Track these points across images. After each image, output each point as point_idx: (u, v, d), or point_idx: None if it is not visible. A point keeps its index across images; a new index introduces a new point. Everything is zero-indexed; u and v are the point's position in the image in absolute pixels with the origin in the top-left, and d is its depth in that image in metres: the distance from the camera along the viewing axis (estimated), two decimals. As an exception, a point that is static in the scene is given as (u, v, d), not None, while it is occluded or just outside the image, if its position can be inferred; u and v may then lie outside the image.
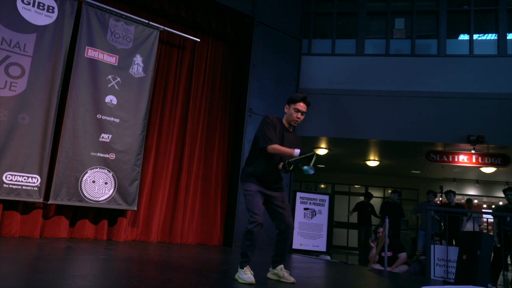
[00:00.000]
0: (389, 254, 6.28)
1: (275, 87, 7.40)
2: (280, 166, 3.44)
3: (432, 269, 5.66)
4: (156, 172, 6.53)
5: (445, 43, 8.49)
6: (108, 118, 5.85)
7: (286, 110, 3.55)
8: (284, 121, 3.56)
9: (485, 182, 13.26)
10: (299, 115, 3.48)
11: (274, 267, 3.56)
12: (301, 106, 3.47)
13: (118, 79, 6.01)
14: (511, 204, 6.88)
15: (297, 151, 3.21)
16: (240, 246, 3.47)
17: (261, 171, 3.44)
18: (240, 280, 3.27)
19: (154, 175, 6.51)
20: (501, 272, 6.84)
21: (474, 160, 8.78)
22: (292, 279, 3.47)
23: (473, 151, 8.53)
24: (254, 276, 3.28)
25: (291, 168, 3.27)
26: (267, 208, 3.54)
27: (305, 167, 3.18)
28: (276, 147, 3.33)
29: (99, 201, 5.71)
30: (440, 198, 8.82)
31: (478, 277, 4.77)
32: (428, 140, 8.23)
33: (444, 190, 8.55)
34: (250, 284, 3.21)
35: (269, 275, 3.58)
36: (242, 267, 3.31)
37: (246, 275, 3.25)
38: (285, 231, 3.46)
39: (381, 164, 11.63)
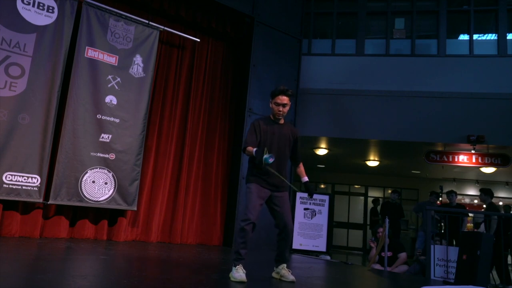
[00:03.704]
0: (389, 254, 6.29)
1: (275, 87, 7.39)
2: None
3: (432, 269, 5.66)
4: (156, 172, 6.52)
5: (445, 43, 8.49)
6: (108, 118, 5.85)
7: (270, 105, 3.71)
8: (271, 116, 3.73)
9: (485, 182, 13.25)
10: (280, 108, 3.62)
11: (276, 266, 3.64)
12: (280, 99, 3.62)
13: (118, 79, 6.01)
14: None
15: (254, 150, 3.43)
16: (234, 244, 3.55)
17: (262, 172, 3.53)
18: (232, 278, 3.35)
19: (154, 175, 6.51)
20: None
21: (474, 160, 8.77)
22: (291, 278, 3.52)
23: (473, 151, 8.53)
24: (251, 275, 3.31)
25: (262, 164, 3.39)
26: (268, 207, 3.62)
27: (265, 156, 3.34)
28: (247, 149, 3.53)
29: (99, 201, 5.71)
30: (440, 199, 8.82)
31: (478, 277, 4.77)
32: (428, 140, 8.23)
33: (445, 190, 8.55)
34: (241, 282, 3.26)
35: (273, 274, 3.67)
36: (235, 266, 3.39)
37: (238, 273, 3.32)
38: (283, 230, 3.54)
39: (381, 164, 11.63)
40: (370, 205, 12.50)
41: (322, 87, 8.37)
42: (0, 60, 5.12)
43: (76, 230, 5.73)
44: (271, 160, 3.31)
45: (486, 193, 7.30)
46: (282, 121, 3.72)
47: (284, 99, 3.60)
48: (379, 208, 11.34)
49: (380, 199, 12.47)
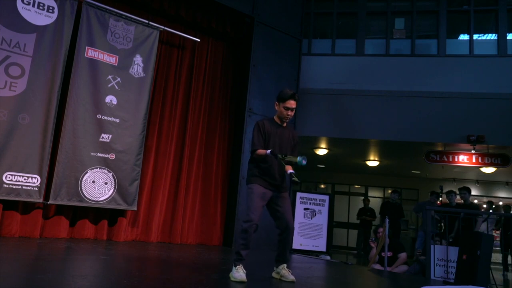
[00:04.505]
0: (389, 254, 6.28)
1: (275, 87, 7.40)
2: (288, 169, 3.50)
3: (432, 269, 5.66)
4: (156, 172, 6.52)
5: (445, 43, 8.49)
6: (108, 118, 5.85)
7: (276, 108, 3.69)
8: (276, 118, 3.72)
9: (485, 182, 13.26)
10: (289, 112, 3.63)
11: (277, 266, 3.64)
12: (290, 103, 3.61)
13: (118, 79, 6.01)
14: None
15: (268, 151, 3.43)
16: (235, 244, 3.55)
17: (264, 172, 3.55)
18: (232, 278, 3.36)
19: (154, 175, 6.51)
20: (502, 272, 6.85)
21: (474, 160, 8.77)
22: (291, 278, 3.53)
23: (473, 151, 8.53)
24: (251, 275, 3.31)
25: (284, 160, 3.42)
26: (269, 208, 3.62)
27: (298, 158, 3.36)
28: (257, 152, 3.52)
29: (99, 201, 5.71)
30: (440, 199, 8.82)
31: (478, 277, 4.77)
32: (428, 140, 8.23)
33: (444, 190, 8.55)
34: (241, 282, 3.27)
35: (273, 274, 3.67)
36: (235, 265, 3.40)
37: (238, 273, 3.33)
38: (285, 231, 3.54)
39: (381, 164, 11.64)
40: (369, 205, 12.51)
41: (322, 87, 8.37)
42: (0, 60, 5.12)
43: (76, 230, 5.73)
44: (304, 162, 3.35)
45: (469, 192, 7.34)
46: (285, 124, 3.73)
47: (294, 103, 3.62)
48: (371, 207, 11.48)
49: (370, 199, 12.52)
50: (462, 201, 7.36)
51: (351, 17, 9.12)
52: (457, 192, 7.56)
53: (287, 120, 3.68)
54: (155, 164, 6.54)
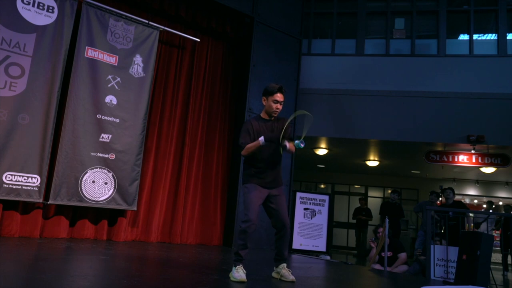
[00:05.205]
0: (389, 254, 6.28)
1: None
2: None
3: (432, 269, 5.66)
4: (156, 172, 6.52)
5: (445, 43, 8.49)
6: (108, 118, 5.85)
7: (264, 103, 3.67)
8: (263, 114, 3.69)
9: (485, 182, 13.26)
10: (278, 105, 3.63)
11: (276, 266, 3.64)
12: (278, 96, 3.62)
13: (118, 79, 6.01)
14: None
15: (261, 139, 3.40)
16: (234, 245, 3.55)
17: (259, 171, 3.56)
18: (232, 278, 3.36)
19: (154, 175, 6.51)
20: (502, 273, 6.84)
21: (474, 160, 8.77)
22: (291, 278, 3.52)
23: (473, 151, 8.53)
24: (251, 275, 3.31)
25: (285, 148, 3.42)
26: (265, 206, 3.61)
27: (296, 141, 3.34)
28: (246, 147, 3.49)
29: (99, 201, 5.71)
30: (440, 199, 8.82)
31: (478, 277, 4.77)
32: (428, 140, 8.23)
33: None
34: (241, 282, 3.27)
35: (273, 274, 3.67)
36: (235, 266, 3.40)
37: (238, 273, 3.33)
38: (281, 229, 3.54)
39: (381, 164, 11.64)
40: (369, 205, 12.51)
41: (322, 87, 8.37)
42: (0, 60, 5.12)
43: (76, 230, 5.73)
44: (302, 145, 3.33)
45: (453, 192, 7.36)
46: (273, 118, 3.70)
47: (281, 96, 3.63)
48: (368, 207, 11.51)
49: (370, 199, 12.54)
50: (444, 200, 7.41)
51: (351, 17, 9.11)
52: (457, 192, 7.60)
53: (276, 115, 3.66)
54: (155, 164, 6.54)
